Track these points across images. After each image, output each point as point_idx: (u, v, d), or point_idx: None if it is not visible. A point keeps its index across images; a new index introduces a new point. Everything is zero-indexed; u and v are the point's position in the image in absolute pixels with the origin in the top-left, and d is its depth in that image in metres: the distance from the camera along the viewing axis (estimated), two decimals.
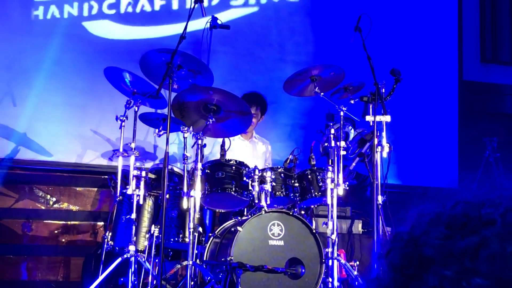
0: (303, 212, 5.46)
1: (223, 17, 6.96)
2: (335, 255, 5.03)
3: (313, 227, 5.13)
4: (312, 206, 5.80)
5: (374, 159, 5.13)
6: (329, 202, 5.14)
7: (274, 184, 5.19)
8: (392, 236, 0.93)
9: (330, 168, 5.21)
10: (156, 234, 4.98)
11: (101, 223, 6.65)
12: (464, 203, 0.90)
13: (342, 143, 5.20)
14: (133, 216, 4.98)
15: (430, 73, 8.08)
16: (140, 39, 7.09)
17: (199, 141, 5.04)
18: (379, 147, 5.14)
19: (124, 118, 5.20)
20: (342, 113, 5.30)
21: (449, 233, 0.87)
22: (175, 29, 7.04)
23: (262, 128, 6.81)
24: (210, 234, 5.25)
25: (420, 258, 0.87)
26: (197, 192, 4.88)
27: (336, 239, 5.09)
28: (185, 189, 4.91)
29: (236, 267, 4.59)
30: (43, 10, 6.83)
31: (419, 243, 0.88)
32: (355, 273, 5.10)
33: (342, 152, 5.20)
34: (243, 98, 5.84)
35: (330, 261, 5.01)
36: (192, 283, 4.74)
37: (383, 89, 5.25)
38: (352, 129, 5.85)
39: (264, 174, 5.13)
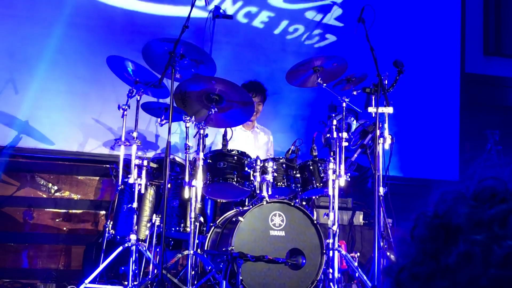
0: (304, 203, 5.47)
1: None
2: (336, 246, 5.04)
3: (314, 218, 5.13)
4: (314, 197, 5.80)
5: (376, 151, 5.13)
6: (330, 193, 5.14)
7: (275, 174, 5.20)
8: (416, 215, 0.94)
9: (332, 159, 5.20)
10: (157, 223, 4.99)
11: (103, 212, 6.66)
12: (490, 179, 0.91)
13: (344, 134, 5.20)
14: (135, 205, 4.99)
15: (433, 65, 8.07)
16: (139, 12, 7.04)
17: (201, 131, 5.03)
18: (381, 139, 5.13)
19: (126, 107, 5.20)
20: (344, 104, 5.29)
21: (477, 204, 0.88)
22: (177, 11, 7.05)
23: (264, 118, 6.81)
24: (211, 224, 5.25)
25: (448, 228, 0.88)
26: (198, 182, 4.88)
27: (337, 230, 5.09)
28: (186, 179, 4.91)
29: (237, 257, 4.60)
30: None
31: (447, 215, 0.89)
32: (356, 264, 5.11)
33: (344, 144, 5.20)
34: (243, 87, 5.82)
35: (331, 252, 5.01)
36: (193, 272, 4.75)
37: (386, 81, 5.24)
38: (354, 121, 5.84)
39: (266, 164, 5.13)
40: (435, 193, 0.95)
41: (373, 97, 5.19)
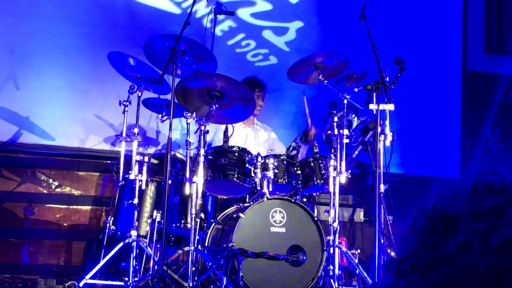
0: (305, 199, 5.47)
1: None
2: (337, 243, 5.04)
3: (315, 214, 5.14)
4: (314, 194, 5.80)
5: (377, 148, 5.12)
6: (331, 190, 5.14)
7: (276, 171, 5.19)
8: (415, 211, 0.96)
9: (332, 156, 5.20)
10: (158, 219, 4.99)
11: (103, 208, 6.66)
12: (488, 173, 0.93)
13: (345, 131, 5.19)
14: (135, 201, 4.99)
15: (434, 62, 8.06)
16: (140, 8, 7.03)
17: (202, 127, 5.04)
18: (382, 136, 5.13)
19: (127, 103, 5.20)
20: (345, 101, 5.29)
21: (475, 196, 0.91)
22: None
23: (265, 115, 6.80)
24: (212, 220, 5.26)
25: (447, 219, 0.90)
26: (199, 178, 4.89)
27: (338, 227, 5.09)
28: (187, 175, 4.92)
29: (238, 253, 4.60)
30: None
31: (445, 208, 0.91)
32: (356, 261, 5.11)
33: (345, 140, 5.19)
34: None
35: (332, 249, 5.01)
36: (194, 268, 4.75)
37: (387, 78, 5.23)
38: (356, 117, 5.84)
39: (267, 161, 5.13)
40: (435, 191, 0.96)
41: (374, 94, 5.19)
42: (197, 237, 4.89)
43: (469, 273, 0.84)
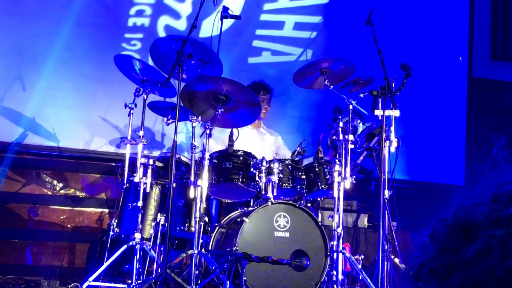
0: (309, 204, 5.46)
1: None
2: (340, 248, 5.03)
3: (319, 219, 5.13)
4: (319, 199, 5.79)
5: (382, 154, 5.12)
6: (335, 195, 5.13)
7: (281, 175, 5.19)
8: (436, 220, 0.97)
9: (337, 161, 5.19)
10: (162, 222, 4.99)
11: (107, 210, 6.67)
12: (509, 183, 0.95)
13: (351, 137, 5.19)
14: (140, 204, 5.00)
15: (440, 69, 8.05)
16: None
17: (207, 131, 5.04)
18: (387, 142, 5.13)
19: (133, 106, 5.21)
20: (351, 107, 5.28)
21: (496, 205, 0.92)
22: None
23: (271, 119, 6.80)
24: (216, 224, 5.25)
25: (468, 227, 0.91)
26: (204, 181, 4.88)
27: (342, 233, 5.08)
28: (192, 179, 4.91)
29: (241, 257, 4.60)
30: None
31: (466, 217, 0.93)
32: (360, 266, 5.10)
33: (350, 146, 5.19)
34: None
35: (335, 254, 5.00)
36: (197, 272, 4.75)
37: (393, 84, 5.23)
38: (361, 123, 5.84)
39: (272, 165, 5.13)
40: (455, 199, 0.98)
41: (380, 100, 5.19)
42: (200, 241, 4.89)
43: (489, 277, 0.85)
